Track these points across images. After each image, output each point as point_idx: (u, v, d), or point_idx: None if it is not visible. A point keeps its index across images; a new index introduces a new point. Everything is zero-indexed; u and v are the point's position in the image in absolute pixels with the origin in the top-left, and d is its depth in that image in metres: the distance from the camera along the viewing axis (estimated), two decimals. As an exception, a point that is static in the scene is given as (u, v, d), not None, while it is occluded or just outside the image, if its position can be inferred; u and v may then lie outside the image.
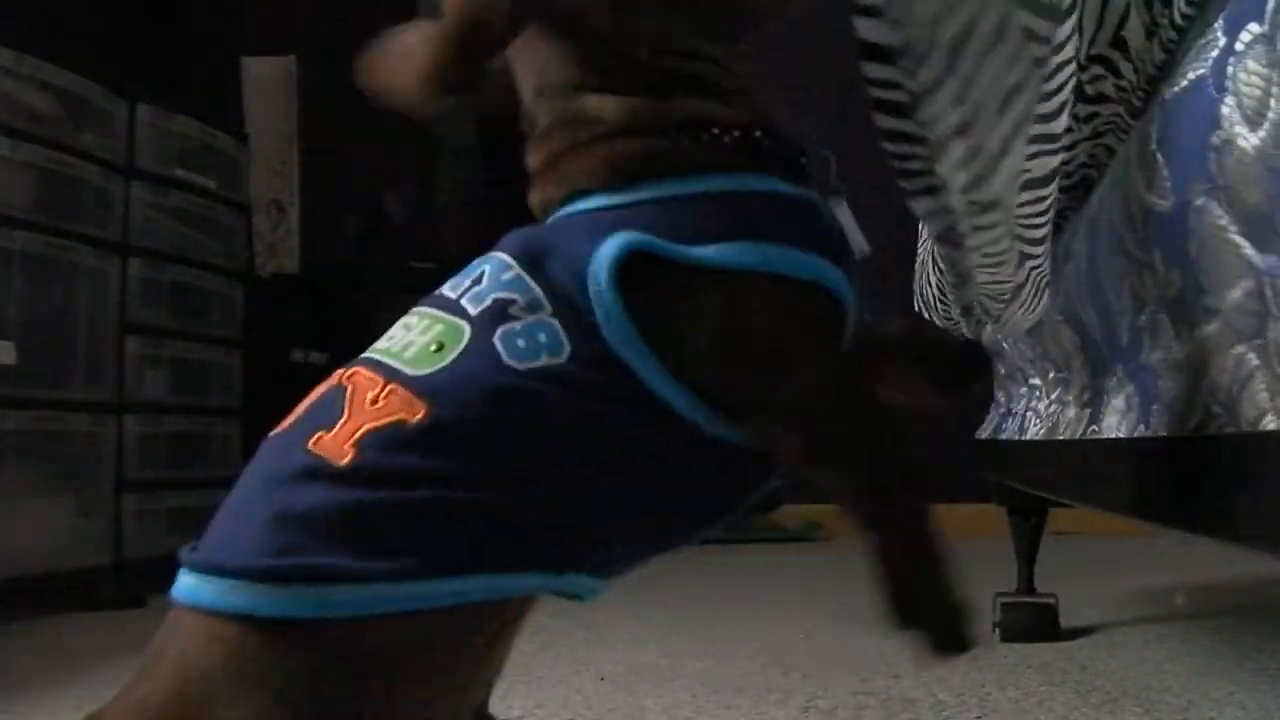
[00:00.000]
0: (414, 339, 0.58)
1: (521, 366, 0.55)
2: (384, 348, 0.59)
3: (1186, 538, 0.81)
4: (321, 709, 0.52)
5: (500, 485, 0.54)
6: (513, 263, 0.58)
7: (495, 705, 0.65)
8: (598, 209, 0.59)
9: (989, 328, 1.50)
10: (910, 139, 0.75)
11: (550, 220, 0.61)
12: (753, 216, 0.58)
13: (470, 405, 0.54)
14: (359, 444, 0.54)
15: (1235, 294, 0.66)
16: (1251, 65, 0.61)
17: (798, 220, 0.60)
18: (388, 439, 0.54)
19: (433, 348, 0.56)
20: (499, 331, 0.56)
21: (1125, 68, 0.86)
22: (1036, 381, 1.43)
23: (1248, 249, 0.64)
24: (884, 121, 0.75)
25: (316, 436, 0.55)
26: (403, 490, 0.53)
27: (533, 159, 0.63)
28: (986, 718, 1.25)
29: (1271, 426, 0.62)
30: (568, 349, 0.55)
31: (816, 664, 1.55)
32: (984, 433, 1.83)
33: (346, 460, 0.54)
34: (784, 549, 3.16)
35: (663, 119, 0.60)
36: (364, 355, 0.59)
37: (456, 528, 0.54)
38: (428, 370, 0.56)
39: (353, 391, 0.56)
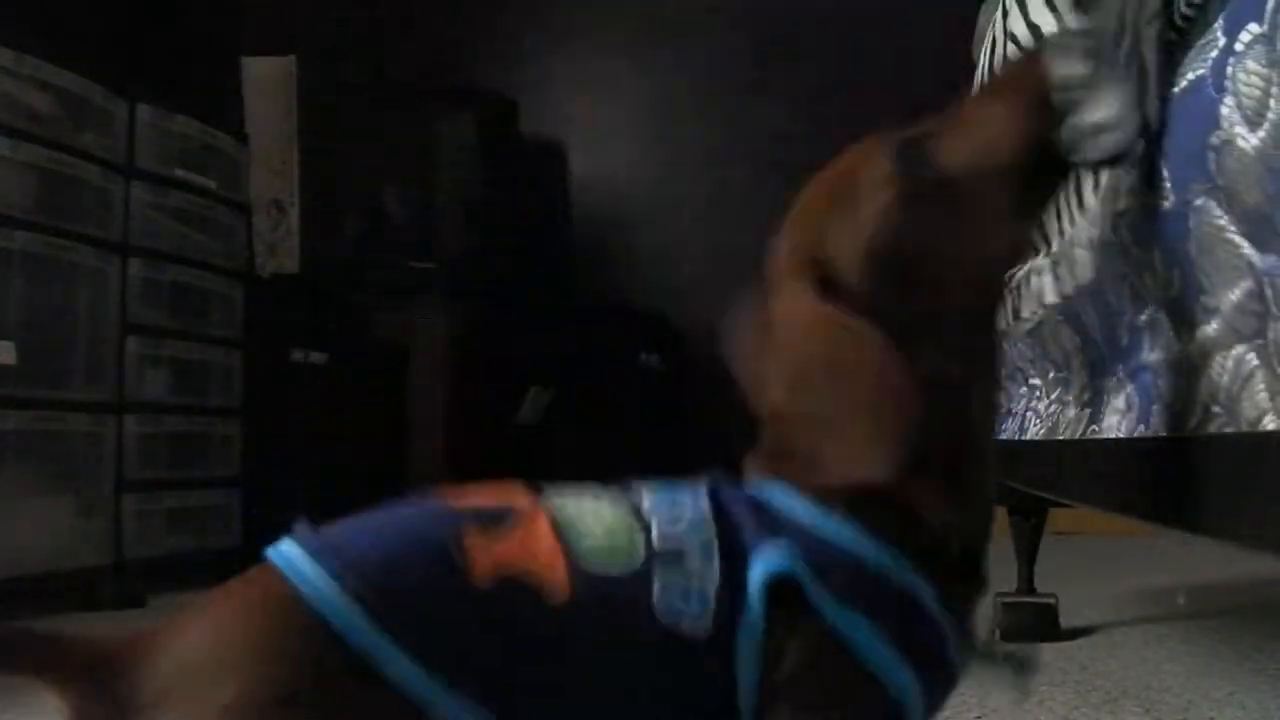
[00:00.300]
0: (594, 528, 0.62)
1: (663, 619, 0.60)
2: (572, 520, 0.62)
3: (1186, 538, 0.81)
4: None
5: (572, 682, 0.59)
6: (711, 522, 0.63)
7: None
8: (797, 519, 0.63)
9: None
10: None
11: (756, 488, 0.66)
12: (897, 620, 0.62)
13: (597, 613, 0.59)
14: (500, 577, 0.58)
15: (1235, 294, 0.66)
16: (1251, 65, 0.61)
17: (929, 648, 0.64)
18: (524, 597, 0.58)
19: (604, 546, 0.61)
20: (664, 574, 0.61)
21: (1125, 67, 0.86)
22: (1036, 381, 1.43)
23: (1247, 249, 0.64)
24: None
25: (473, 534, 0.59)
26: (510, 639, 0.58)
27: (767, 440, 0.68)
28: (986, 718, 1.25)
29: (1271, 426, 0.62)
30: (708, 622, 0.60)
31: (816, 664, 1.54)
32: (984, 433, 1.83)
33: (481, 577, 0.58)
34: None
35: (885, 500, 0.63)
36: (556, 504, 0.63)
37: (524, 686, 0.58)
38: (589, 560, 0.60)
39: (527, 528, 0.61)
